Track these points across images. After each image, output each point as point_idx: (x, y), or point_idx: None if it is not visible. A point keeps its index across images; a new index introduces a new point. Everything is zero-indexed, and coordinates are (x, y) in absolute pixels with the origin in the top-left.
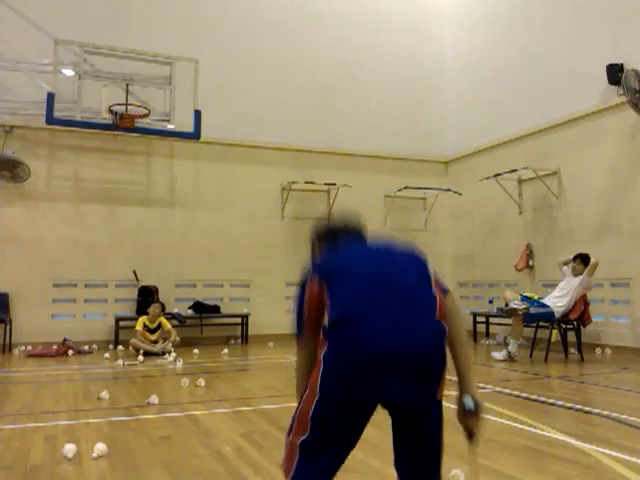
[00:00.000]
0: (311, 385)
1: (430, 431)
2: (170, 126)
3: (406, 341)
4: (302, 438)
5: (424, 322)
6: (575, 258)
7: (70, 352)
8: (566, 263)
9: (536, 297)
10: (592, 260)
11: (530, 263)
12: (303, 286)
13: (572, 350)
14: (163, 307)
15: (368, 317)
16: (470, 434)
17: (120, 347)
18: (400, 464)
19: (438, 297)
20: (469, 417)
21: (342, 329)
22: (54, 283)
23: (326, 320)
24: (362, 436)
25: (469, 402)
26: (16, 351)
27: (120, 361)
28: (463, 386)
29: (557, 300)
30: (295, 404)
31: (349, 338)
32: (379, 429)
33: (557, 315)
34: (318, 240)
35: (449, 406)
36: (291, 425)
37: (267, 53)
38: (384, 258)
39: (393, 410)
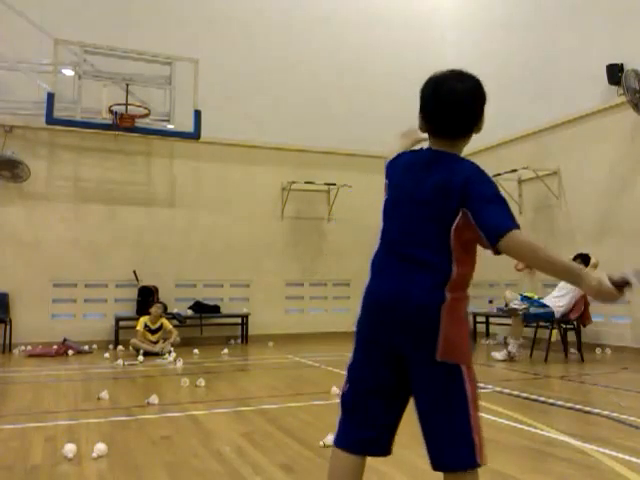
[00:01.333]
0: None
1: (435, 394)
2: (170, 126)
3: (400, 294)
4: (342, 393)
5: (421, 278)
6: (575, 258)
7: (70, 352)
8: None
9: (536, 297)
10: (592, 260)
11: None
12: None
13: (572, 350)
14: (165, 307)
15: (381, 265)
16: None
17: (120, 347)
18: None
19: (485, 246)
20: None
21: (368, 282)
22: (54, 283)
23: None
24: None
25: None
26: (16, 351)
27: (120, 361)
28: (581, 276)
29: (557, 300)
30: (294, 404)
31: (367, 292)
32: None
33: (557, 315)
34: (420, 112)
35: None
36: None
37: (267, 53)
38: (418, 195)
39: (402, 362)
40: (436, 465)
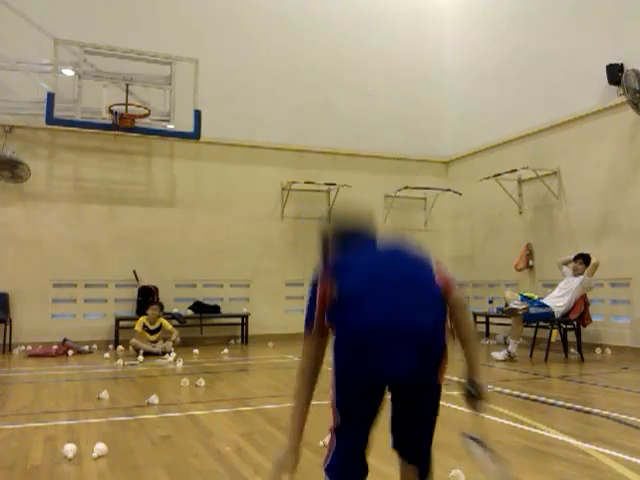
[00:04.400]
0: (332, 370)
1: (426, 412)
2: (170, 126)
3: (406, 318)
4: (335, 425)
5: (425, 305)
6: (576, 258)
7: (70, 352)
8: (566, 263)
9: (536, 297)
10: (593, 260)
11: (530, 263)
12: (315, 285)
13: (572, 350)
14: (161, 307)
15: (370, 300)
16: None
17: (120, 347)
18: (397, 443)
19: (443, 288)
20: (472, 401)
21: (347, 311)
22: (54, 283)
23: (334, 301)
24: None
25: (474, 389)
26: (16, 351)
27: (120, 361)
28: (468, 372)
29: (557, 300)
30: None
31: (353, 319)
32: (378, 429)
33: (557, 315)
34: (331, 238)
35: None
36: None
37: (267, 53)
38: (391, 255)
39: (395, 388)
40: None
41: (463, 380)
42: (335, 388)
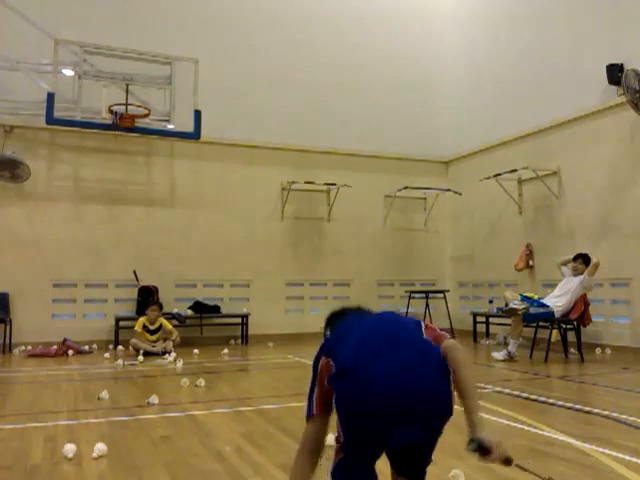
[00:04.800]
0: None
1: (425, 458)
2: (170, 126)
3: (408, 387)
4: (341, 440)
5: (425, 368)
6: (576, 258)
7: (70, 352)
8: (565, 263)
9: (536, 297)
10: (593, 260)
11: (530, 263)
12: (316, 363)
13: (572, 350)
14: (161, 307)
15: (370, 367)
16: (505, 463)
17: (120, 347)
18: (393, 465)
19: (440, 343)
20: (485, 456)
21: (345, 379)
22: (54, 283)
23: (332, 371)
24: None
25: (473, 446)
26: (16, 351)
27: (120, 361)
28: (470, 430)
29: (556, 300)
30: (294, 404)
31: (352, 388)
32: None
33: (557, 315)
34: (331, 319)
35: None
36: None
37: (267, 53)
38: (385, 320)
39: (396, 450)
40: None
41: (468, 439)
42: (339, 422)
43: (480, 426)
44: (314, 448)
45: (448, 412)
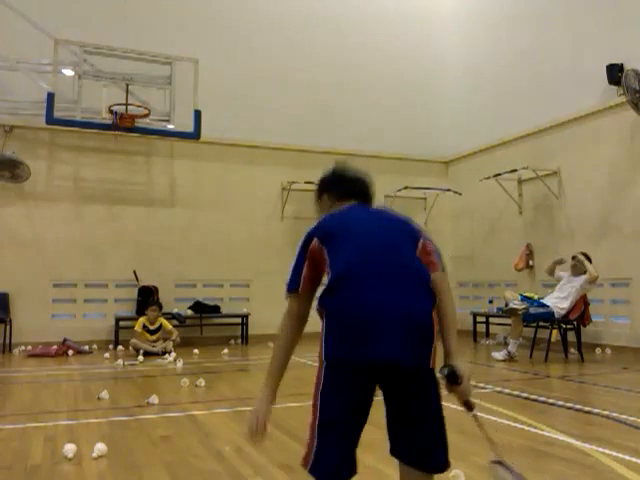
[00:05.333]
0: (319, 357)
1: (427, 400)
2: (170, 126)
3: (400, 304)
4: (317, 420)
5: (417, 290)
6: (573, 258)
7: (70, 352)
8: (553, 269)
9: (536, 297)
10: (593, 273)
11: (530, 263)
12: (305, 245)
13: (572, 350)
14: (160, 307)
15: (364, 283)
16: (466, 405)
17: (120, 347)
18: (398, 445)
19: (431, 272)
20: (452, 385)
21: (339, 295)
22: (54, 283)
23: (325, 284)
24: (361, 436)
25: (445, 371)
26: (16, 351)
27: (120, 361)
28: (447, 358)
29: (558, 301)
30: (294, 404)
31: (346, 303)
32: (378, 428)
33: (557, 316)
34: (326, 191)
35: (449, 406)
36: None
37: (267, 53)
38: (382, 226)
39: (389, 376)
40: (431, 467)
41: (440, 367)
42: (324, 367)
43: (457, 355)
44: (298, 325)
45: (432, 340)
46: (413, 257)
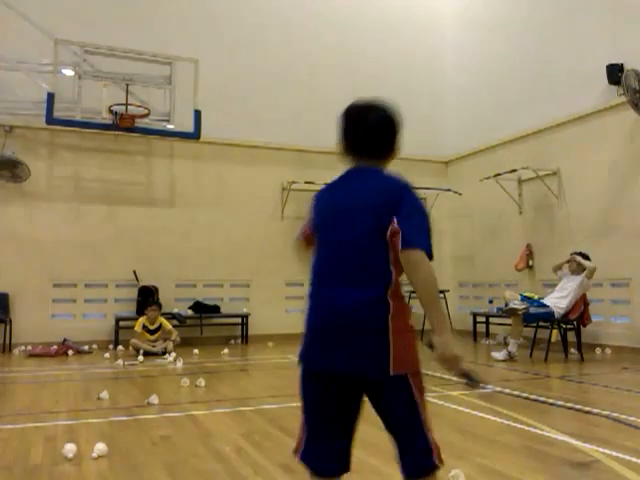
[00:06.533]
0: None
1: (392, 408)
2: (170, 126)
3: (335, 304)
4: (303, 415)
5: (358, 281)
6: (569, 261)
7: (70, 352)
8: (560, 267)
9: (536, 297)
10: (590, 265)
11: (530, 263)
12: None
13: (572, 350)
14: (160, 307)
15: (317, 284)
16: (462, 376)
17: (120, 347)
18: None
19: (390, 244)
20: (438, 359)
21: (309, 296)
22: (54, 283)
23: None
24: (361, 435)
25: (426, 340)
26: (16, 351)
27: (120, 361)
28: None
29: (558, 301)
30: (294, 404)
31: (308, 306)
32: (379, 428)
33: (557, 316)
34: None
35: (449, 406)
36: None
37: (267, 53)
38: (348, 211)
39: (349, 384)
40: (405, 474)
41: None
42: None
43: (438, 331)
44: (307, 245)
45: (373, 334)
46: (369, 249)
